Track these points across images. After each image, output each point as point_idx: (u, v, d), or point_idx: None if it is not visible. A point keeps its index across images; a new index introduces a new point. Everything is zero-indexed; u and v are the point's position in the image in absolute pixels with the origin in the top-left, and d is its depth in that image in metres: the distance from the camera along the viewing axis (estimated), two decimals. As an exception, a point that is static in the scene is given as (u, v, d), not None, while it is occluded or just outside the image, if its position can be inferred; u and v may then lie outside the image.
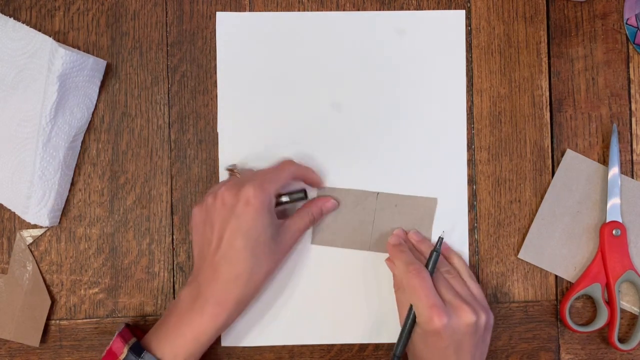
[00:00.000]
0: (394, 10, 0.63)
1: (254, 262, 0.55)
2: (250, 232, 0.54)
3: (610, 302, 0.61)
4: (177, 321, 0.55)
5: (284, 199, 0.59)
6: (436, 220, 0.62)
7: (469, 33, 0.63)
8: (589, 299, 0.63)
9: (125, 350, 0.53)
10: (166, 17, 0.63)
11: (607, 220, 0.61)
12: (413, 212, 0.61)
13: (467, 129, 0.63)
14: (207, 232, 0.56)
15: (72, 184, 0.62)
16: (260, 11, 0.63)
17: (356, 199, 0.62)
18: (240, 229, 0.54)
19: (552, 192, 0.62)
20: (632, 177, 0.63)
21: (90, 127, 0.63)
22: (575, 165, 0.63)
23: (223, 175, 0.62)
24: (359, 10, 0.63)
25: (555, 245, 0.62)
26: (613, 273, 0.60)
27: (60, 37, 0.63)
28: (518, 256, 0.62)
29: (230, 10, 0.63)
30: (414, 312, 0.55)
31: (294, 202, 0.60)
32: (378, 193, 0.62)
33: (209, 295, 0.54)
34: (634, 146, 0.63)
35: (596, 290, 0.61)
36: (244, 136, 0.63)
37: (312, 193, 0.62)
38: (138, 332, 0.61)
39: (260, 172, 0.59)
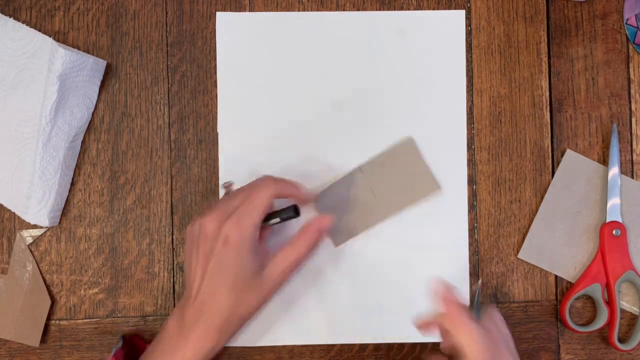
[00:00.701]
0: (394, 10, 0.63)
1: (235, 298, 0.54)
2: (230, 271, 0.53)
3: (610, 302, 0.61)
4: (166, 348, 0.54)
5: (274, 220, 0.57)
6: (436, 220, 0.62)
7: (469, 33, 0.63)
8: (589, 299, 0.63)
9: None
10: (166, 17, 0.63)
11: (607, 220, 0.61)
12: (400, 161, 0.61)
13: (467, 129, 0.63)
14: (193, 261, 0.55)
15: (72, 184, 0.62)
16: (260, 11, 0.63)
17: (347, 184, 0.62)
18: (220, 267, 0.53)
19: (552, 192, 0.62)
20: (632, 177, 0.63)
21: (90, 127, 0.63)
22: (575, 165, 0.63)
23: (223, 175, 0.62)
24: (359, 10, 0.63)
25: (555, 245, 0.62)
26: (613, 273, 0.60)
27: (60, 37, 0.63)
28: (518, 256, 0.62)
29: (230, 10, 0.63)
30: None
31: (286, 221, 0.57)
32: (360, 166, 0.62)
33: (193, 324, 0.54)
34: (634, 146, 0.63)
35: (596, 290, 0.61)
36: (244, 136, 0.63)
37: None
38: (136, 339, 0.60)
39: (240, 197, 0.55)
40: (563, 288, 0.63)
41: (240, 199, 0.55)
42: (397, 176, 0.62)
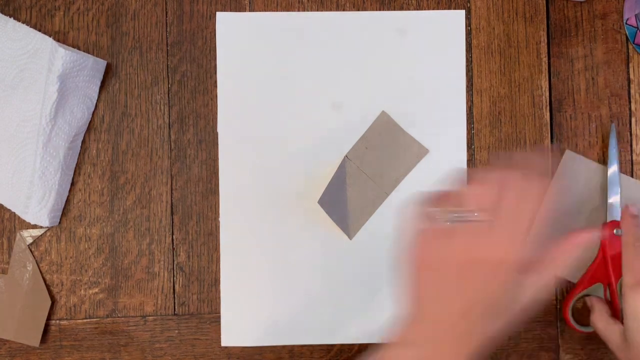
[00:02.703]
0: (394, 10, 0.63)
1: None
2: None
3: (612, 302, 0.61)
4: None
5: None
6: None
7: (469, 33, 0.63)
8: (589, 299, 0.63)
9: None
10: (166, 17, 0.63)
11: (608, 220, 0.61)
12: (381, 137, 0.62)
13: (467, 129, 0.63)
14: None
15: (72, 184, 0.62)
16: (260, 11, 0.63)
17: (340, 176, 0.61)
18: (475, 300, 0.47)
19: (552, 192, 0.62)
20: (632, 177, 0.63)
21: (90, 127, 0.63)
22: (574, 166, 0.63)
23: (223, 175, 0.62)
24: (359, 10, 0.63)
25: (555, 245, 0.62)
26: (615, 272, 0.60)
27: (60, 37, 0.63)
28: (518, 256, 0.62)
29: (230, 10, 0.63)
30: None
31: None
32: (346, 155, 0.62)
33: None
34: (634, 146, 0.63)
35: (598, 290, 0.61)
36: (244, 136, 0.63)
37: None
38: None
39: None
40: (563, 288, 0.63)
41: None
42: (383, 152, 0.62)
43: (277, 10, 0.63)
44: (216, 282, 0.62)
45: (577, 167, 0.63)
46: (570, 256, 0.48)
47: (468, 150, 0.63)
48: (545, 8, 0.64)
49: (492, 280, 0.45)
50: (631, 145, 0.63)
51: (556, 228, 0.62)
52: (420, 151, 0.62)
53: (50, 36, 0.61)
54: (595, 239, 0.55)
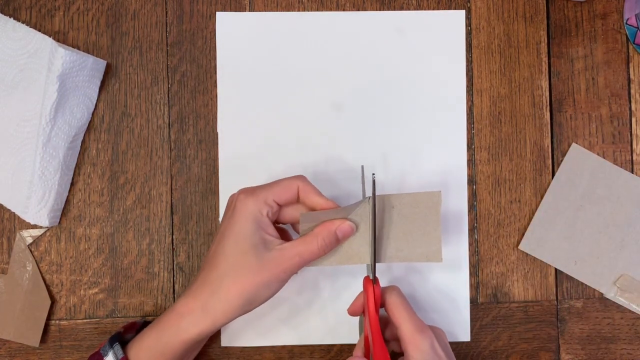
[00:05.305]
0: (394, 10, 0.63)
1: (227, 269, 0.52)
2: (228, 238, 0.53)
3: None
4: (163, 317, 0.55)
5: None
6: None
7: (469, 33, 0.63)
8: (589, 298, 0.63)
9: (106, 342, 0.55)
10: (166, 17, 0.63)
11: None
12: (414, 210, 0.55)
13: (467, 129, 0.63)
14: None
15: (72, 184, 0.62)
16: (260, 11, 0.63)
17: (347, 212, 0.54)
18: (223, 234, 0.53)
19: (556, 185, 0.62)
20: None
21: (90, 127, 0.63)
22: (579, 160, 0.63)
23: (223, 175, 0.62)
24: (359, 10, 0.63)
25: (556, 238, 0.62)
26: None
27: (60, 37, 0.63)
28: (519, 247, 0.62)
29: (230, 10, 0.63)
30: None
31: None
32: (369, 197, 0.54)
33: (183, 294, 0.54)
34: (634, 146, 0.63)
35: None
36: (244, 136, 0.63)
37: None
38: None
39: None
40: (563, 288, 0.63)
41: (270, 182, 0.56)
42: (402, 225, 0.55)
43: (277, 10, 0.63)
44: (216, 282, 0.62)
45: (582, 162, 0.63)
46: (324, 238, 0.53)
47: (468, 150, 0.63)
48: (545, 8, 0.64)
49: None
50: (631, 145, 0.63)
51: (557, 221, 0.63)
52: (434, 256, 0.55)
53: (50, 36, 0.61)
54: (351, 230, 0.54)
